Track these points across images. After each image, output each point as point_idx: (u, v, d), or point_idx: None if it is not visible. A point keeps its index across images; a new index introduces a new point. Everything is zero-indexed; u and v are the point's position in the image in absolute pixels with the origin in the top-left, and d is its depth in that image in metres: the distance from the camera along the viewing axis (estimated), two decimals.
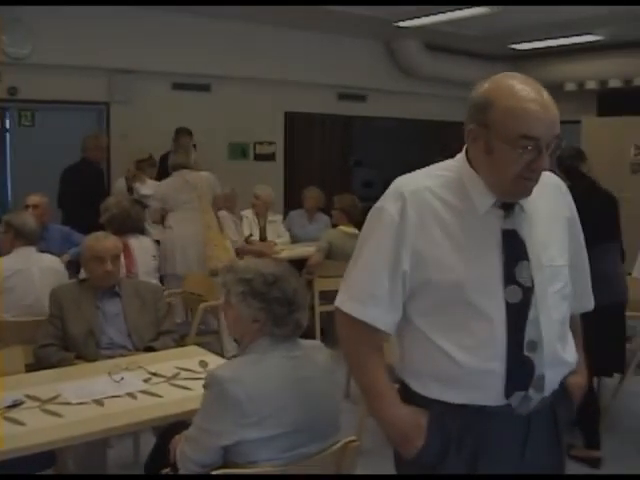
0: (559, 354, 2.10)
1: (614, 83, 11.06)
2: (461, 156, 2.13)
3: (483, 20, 8.78)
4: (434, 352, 2.04)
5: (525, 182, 1.99)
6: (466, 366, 2.00)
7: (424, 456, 2.06)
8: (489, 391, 2.02)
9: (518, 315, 2.01)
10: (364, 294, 2.07)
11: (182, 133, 8.63)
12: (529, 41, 10.52)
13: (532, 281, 2.03)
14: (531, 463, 2.11)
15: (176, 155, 7.17)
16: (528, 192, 2.03)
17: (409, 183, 2.09)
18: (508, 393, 2.01)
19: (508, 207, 2.06)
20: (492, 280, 2.01)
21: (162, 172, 7.92)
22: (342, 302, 2.12)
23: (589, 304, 2.38)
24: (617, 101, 11.21)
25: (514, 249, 2.04)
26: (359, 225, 2.47)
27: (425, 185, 2.07)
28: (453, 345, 2.01)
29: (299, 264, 6.78)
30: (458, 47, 11.02)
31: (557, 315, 2.10)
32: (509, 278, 2.01)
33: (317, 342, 2.94)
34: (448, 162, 2.16)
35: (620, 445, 4.70)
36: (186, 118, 8.83)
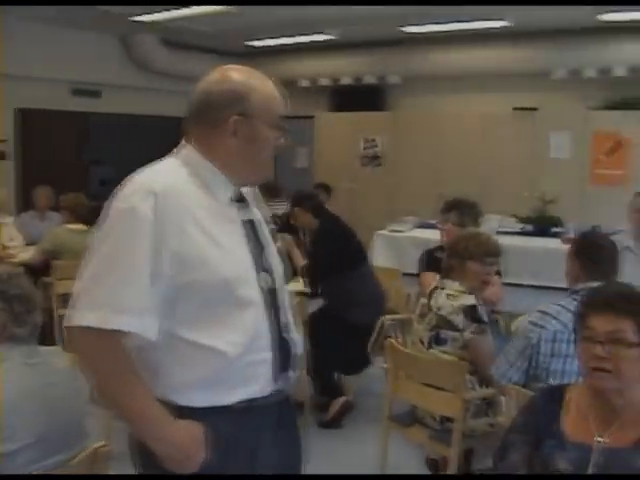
0: (296, 334, 2.22)
1: (346, 80, 11.59)
2: (188, 150, 2.11)
3: (219, 17, 8.85)
4: (201, 356, 1.97)
5: (272, 162, 2.15)
6: (239, 360, 1.99)
7: (205, 467, 2.00)
8: (260, 380, 2.05)
9: (272, 300, 2.10)
10: (131, 305, 1.87)
11: None
12: (264, 38, 10.75)
13: (272, 267, 2.15)
14: (285, 442, 2.21)
15: None
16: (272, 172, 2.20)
17: (156, 180, 1.97)
18: (276, 377, 2.07)
19: (240, 199, 2.15)
20: (248, 270, 2.06)
21: None
22: (102, 319, 1.84)
23: None
24: (349, 97, 11.77)
25: (256, 238, 2.14)
26: (87, 223, 2.39)
27: (172, 181, 2.00)
28: (223, 343, 1.97)
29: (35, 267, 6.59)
30: (195, 43, 11.06)
31: (287, 298, 2.23)
32: (259, 266, 2.09)
33: (56, 348, 2.85)
34: (174, 158, 2.11)
35: (359, 422, 5.02)
36: None
